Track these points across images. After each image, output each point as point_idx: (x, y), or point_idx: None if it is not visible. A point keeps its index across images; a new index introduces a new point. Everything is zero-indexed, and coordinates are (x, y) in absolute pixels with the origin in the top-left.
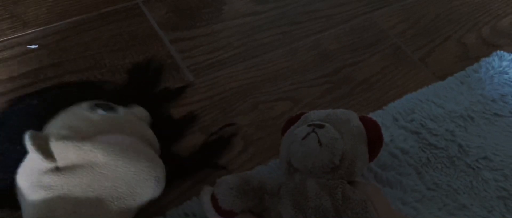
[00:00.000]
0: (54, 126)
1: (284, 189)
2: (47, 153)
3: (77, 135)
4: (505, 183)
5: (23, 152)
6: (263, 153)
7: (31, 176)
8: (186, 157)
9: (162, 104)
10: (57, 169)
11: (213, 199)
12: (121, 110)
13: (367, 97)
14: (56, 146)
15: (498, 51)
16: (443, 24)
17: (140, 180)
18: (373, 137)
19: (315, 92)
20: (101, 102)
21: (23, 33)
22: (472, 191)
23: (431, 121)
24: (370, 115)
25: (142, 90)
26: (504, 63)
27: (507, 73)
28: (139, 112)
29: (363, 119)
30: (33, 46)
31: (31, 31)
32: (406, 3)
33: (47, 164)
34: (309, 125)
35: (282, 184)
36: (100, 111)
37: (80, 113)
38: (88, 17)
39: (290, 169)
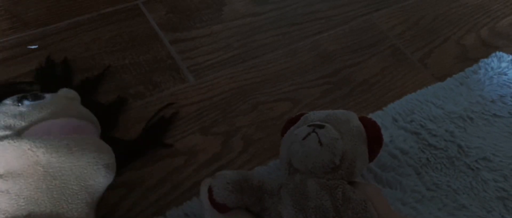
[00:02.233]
0: None
1: (284, 189)
2: None
3: (11, 133)
4: (505, 184)
5: None
6: (263, 154)
7: None
8: (130, 141)
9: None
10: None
11: (210, 190)
12: (48, 95)
13: (367, 98)
14: None
15: (497, 52)
16: (442, 25)
17: (89, 172)
18: (373, 138)
19: (315, 93)
20: (25, 93)
21: (23, 34)
22: (472, 192)
23: (431, 122)
24: (370, 116)
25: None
26: (503, 64)
27: (506, 74)
28: (67, 92)
29: (363, 120)
30: (33, 47)
31: (31, 31)
32: (406, 4)
33: None
34: (309, 126)
35: (282, 184)
36: (26, 102)
37: (7, 110)
38: (88, 17)
39: (290, 170)
